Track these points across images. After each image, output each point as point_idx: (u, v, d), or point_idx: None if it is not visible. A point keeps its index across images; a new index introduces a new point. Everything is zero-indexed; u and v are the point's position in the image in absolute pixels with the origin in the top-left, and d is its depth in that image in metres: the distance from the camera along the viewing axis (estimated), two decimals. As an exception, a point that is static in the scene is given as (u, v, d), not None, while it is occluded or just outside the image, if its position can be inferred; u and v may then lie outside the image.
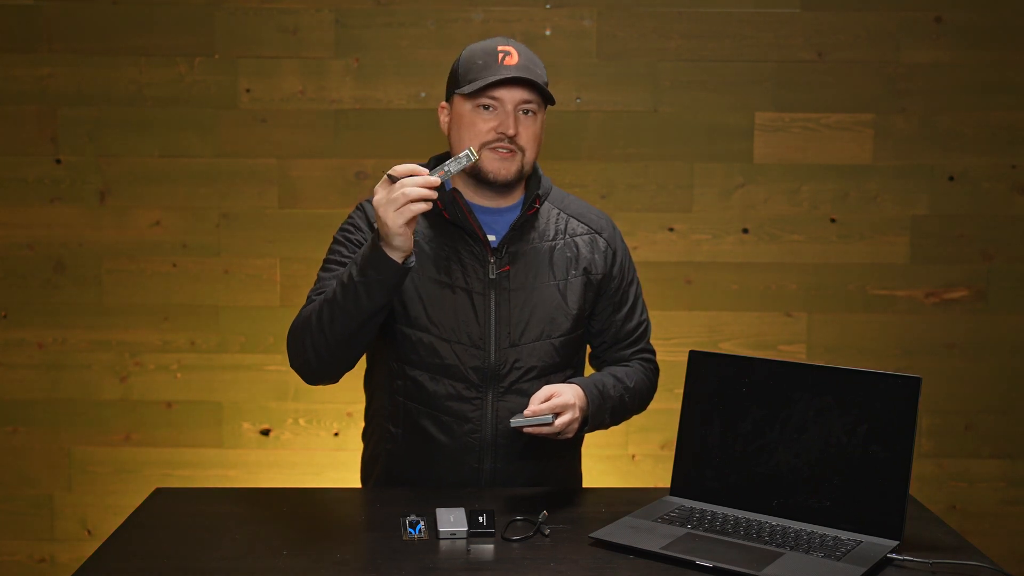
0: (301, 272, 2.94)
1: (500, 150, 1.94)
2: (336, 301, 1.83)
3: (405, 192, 1.72)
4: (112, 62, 2.91)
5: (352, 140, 2.94)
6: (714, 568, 1.57)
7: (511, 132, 1.92)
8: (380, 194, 1.75)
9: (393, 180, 1.74)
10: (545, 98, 1.96)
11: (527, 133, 1.95)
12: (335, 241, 2.03)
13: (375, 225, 1.84)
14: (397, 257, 1.77)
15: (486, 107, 1.93)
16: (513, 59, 1.93)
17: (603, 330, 2.11)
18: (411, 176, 1.74)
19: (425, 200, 1.73)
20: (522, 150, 1.95)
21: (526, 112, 1.95)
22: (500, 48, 1.95)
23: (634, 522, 1.74)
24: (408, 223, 1.73)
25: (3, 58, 2.91)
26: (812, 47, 2.93)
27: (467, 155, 1.79)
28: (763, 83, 2.94)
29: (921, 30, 2.92)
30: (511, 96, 1.92)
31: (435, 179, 1.74)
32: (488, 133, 1.93)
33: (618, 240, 2.12)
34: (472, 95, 1.94)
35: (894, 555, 1.64)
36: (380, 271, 1.78)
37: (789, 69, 2.93)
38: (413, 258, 1.80)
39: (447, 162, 1.79)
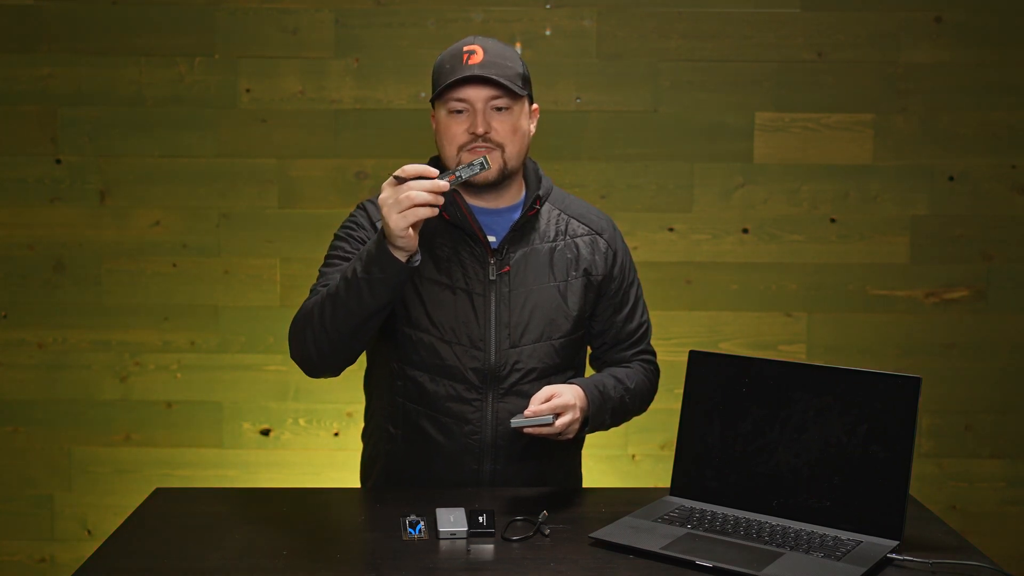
0: (301, 272, 2.94)
1: (477, 150, 1.93)
2: (339, 296, 1.82)
3: (410, 196, 1.71)
4: (112, 62, 2.92)
5: (352, 140, 2.94)
6: (714, 568, 1.57)
7: (479, 130, 1.91)
8: (386, 192, 1.74)
9: (400, 181, 1.73)
10: (514, 92, 1.94)
11: (502, 128, 1.93)
12: (337, 238, 2.02)
13: (379, 224, 1.84)
14: (401, 256, 1.77)
15: (457, 110, 1.93)
16: (477, 57, 1.92)
17: (604, 331, 2.11)
18: (420, 178, 1.73)
19: (431, 205, 1.72)
20: (500, 146, 1.94)
21: (498, 109, 1.94)
22: (465, 48, 1.94)
23: (634, 522, 1.74)
24: (412, 226, 1.73)
25: (3, 58, 2.91)
26: (812, 47, 2.93)
27: (481, 163, 1.79)
28: (763, 83, 2.94)
29: (921, 30, 2.92)
30: (478, 95, 1.92)
31: (444, 184, 1.72)
32: (462, 135, 1.93)
33: (619, 241, 2.12)
34: (442, 100, 1.94)
35: (894, 555, 1.64)
36: (384, 270, 1.77)
37: (789, 69, 2.94)
38: (419, 257, 1.79)
39: (460, 168, 1.78)
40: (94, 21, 2.91)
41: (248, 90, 2.93)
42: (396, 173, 1.73)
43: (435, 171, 1.74)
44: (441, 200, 1.73)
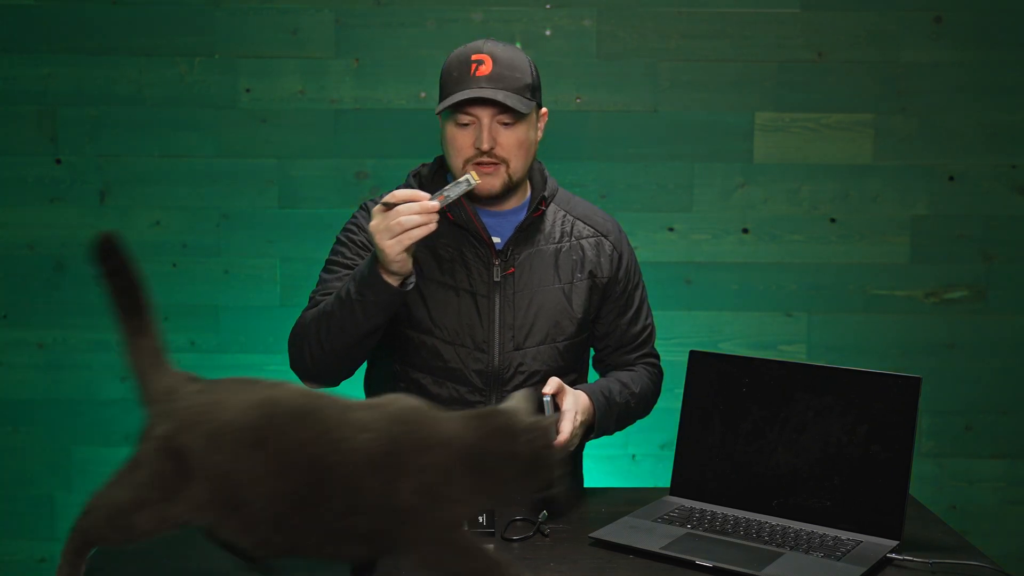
0: (301, 272, 2.94)
1: (483, 165, 1.92)
2: (334, 316, 1.83)
3: (401, 222, 1.71)
4: (112, 62, 2.92)
5: (352, 140, 2.94)
6: (714, 568, 1.57)
7: (485, 147, 1.90)
8: (377, 220, 1.74)
9: (389, 207, 1.73)
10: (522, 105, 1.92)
11: (507, 143, 1.92)
12: (338, 242, 2.02)
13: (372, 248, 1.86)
14: (394, 281, 1.77)
15: (464, 123, 1.92)
16: (486, 68, 1.90)
17: (608, 334, 2.10)
18: (409, 202, 1.73)
19: (424, 226, 1.72)
20: (505, 161, 1.93)
21: (505, 123, 1.93)
22: (474, 57, 1.91)
23: (634, 522, 1.75)
24: (406, 250, 1.74)
25: (3, 58, 2.91)
26: (812, 47, 2.93)
27: (467, 180, 1.80)
28: (763, 83, 2.93)
29: (921, 30, 2.92)
30: (484, 111, 1.90)
31: (434, 204, 1.74)
32: (468, 149, 1.92)
33: (624, 243, 2.11)
34: (447, 112, 1.93)
35: (894, 555, 1.64)
36: (377, 294, 1.78)
37: (789, 69, 2.94)
38: (412, 279, 1.80)
39: (447, 187, 1.79)
40: (94, 21, 2.91)
41: (248, 90, 2.93)
42: (384, 199, 1.74)
43: (425, 194, 1.74)
44: (433, 220, 1.73)
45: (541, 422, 1.40)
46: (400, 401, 1.40)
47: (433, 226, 1.73)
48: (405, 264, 1.75)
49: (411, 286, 1.80)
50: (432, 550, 1.34)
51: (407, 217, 1.71)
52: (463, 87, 1.89)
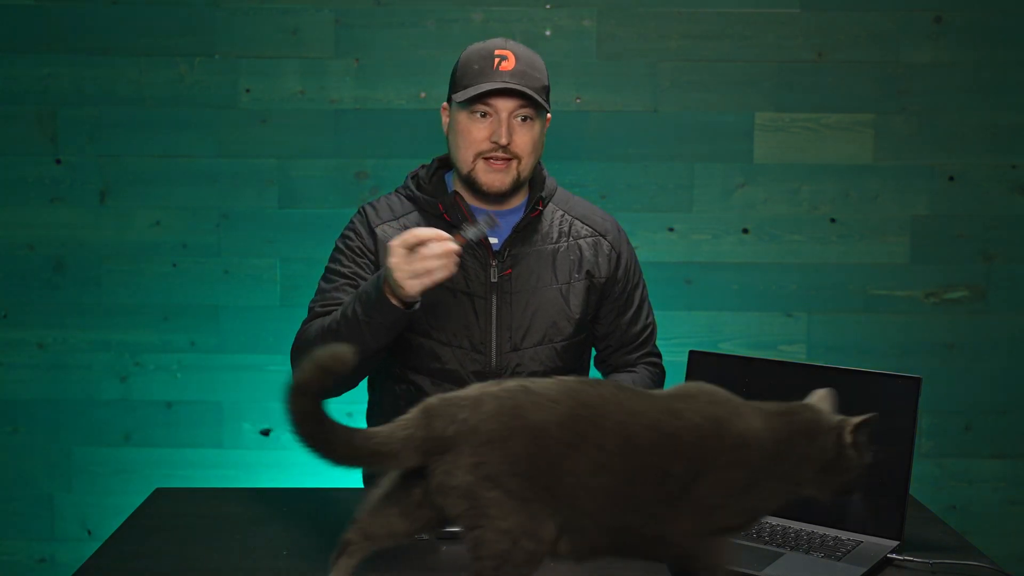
0: (301, 272, 2.94)
1: (494, 161, 1.93)
2: (340, 334, 1.83)
3: (427, 266, 1.72)
4: (112, 62, 2.91)
5: (352, 140, 2.94)
6: (714, 568, 1.57)
7: (503, 141, 1.91)
8: (398, 259, 1.73)
9: (411, 248, 1.74)
10: (541, 105, 1.94)
11: (522, 140, 1.93)
12: (336, 249, 2.02)
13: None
14: (401, 304, 1.78)
15: (481, 114, 1.92)
16: (510, 64, 1.91)
17: (608, 334, 2.10)
18: (432, 241, 1.73)
19: (445, 268, 1.74)
20: (517, 158, 1.94)
21: (522, 119, 1.93)
22: (497, 52, 1.92)
23: (634, 522, 1.74)
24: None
25: (3, 58, 2.91)
26: (812, 47, 2.93)
27: (486, 219, 1.83)
28: (763, 83, 2.93)
29: (921, 30, 2.92)
30: (504, 104, 1.91)
31: (456, 247, 1.75)
32: (483, 142, 1.92)
33: (623, 243, 2.11)
34: (466, 102, 1.93)
35: (894, 555, 1.64)
36: (385, 316, 1.79)
37: (789, 69, 2.93)
38: (419, 300, 1.80)
39: (467, 230, 1.80)
40: (94, 21, 2.90)
41: (248, 90, 2.93)
42: (409, 240, 1.73)
43: (446, 235, 1.75)
44: (456, 261, 1.75)
45: (849, 421, 1.35)
46: (705, 386, 1.35)
47: (454, 268, 1.75)
48: (419, 296, 1.77)
49: (417, 307, 1.80)
50: (708, 543, 1.30)
51: (432, 262, 1.72)
52: (486, 79, 1.89)
